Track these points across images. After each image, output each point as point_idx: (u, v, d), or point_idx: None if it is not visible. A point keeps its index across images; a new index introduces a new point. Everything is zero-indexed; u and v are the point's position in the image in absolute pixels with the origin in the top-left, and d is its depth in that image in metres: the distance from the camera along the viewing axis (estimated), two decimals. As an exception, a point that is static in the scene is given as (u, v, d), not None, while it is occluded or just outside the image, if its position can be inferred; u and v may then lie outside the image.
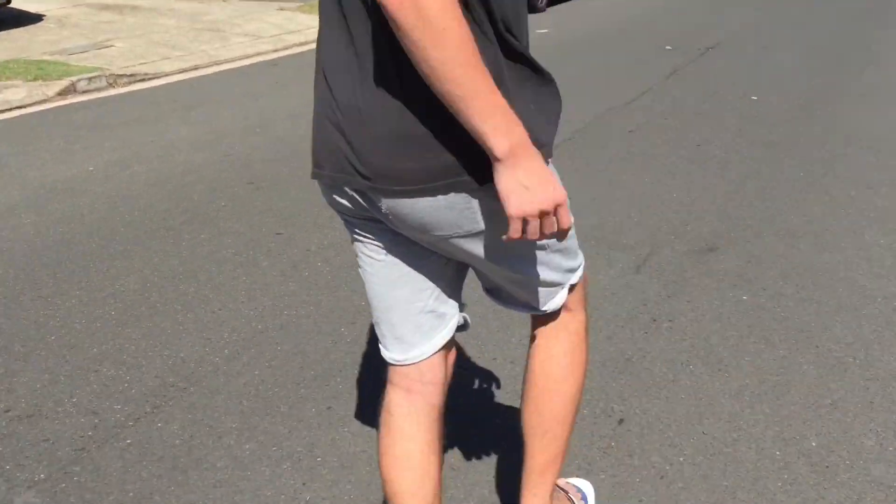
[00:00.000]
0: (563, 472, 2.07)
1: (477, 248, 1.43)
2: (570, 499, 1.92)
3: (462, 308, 1.64)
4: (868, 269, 3.30)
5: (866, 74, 6.84)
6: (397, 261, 1.52)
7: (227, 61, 9.44)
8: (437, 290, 1.55)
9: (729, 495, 2.07)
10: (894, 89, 6.28)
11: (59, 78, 8.21)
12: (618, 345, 2.84)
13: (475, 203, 1.35)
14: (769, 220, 3.87)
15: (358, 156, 1.36)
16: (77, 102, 7.59)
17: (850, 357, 2.69)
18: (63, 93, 7.90)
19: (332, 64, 1.38)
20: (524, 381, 1.69)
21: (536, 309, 1.60)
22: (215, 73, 8.77)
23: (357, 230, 1.53)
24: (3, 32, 11.02)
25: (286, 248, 3.83)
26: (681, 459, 2.23)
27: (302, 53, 10.04)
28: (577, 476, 2.13)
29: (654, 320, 3.00)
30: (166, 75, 8.79)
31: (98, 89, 8.18)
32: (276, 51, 10.24)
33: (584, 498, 1.97)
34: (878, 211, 3.90)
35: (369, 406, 2.53)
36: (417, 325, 1.55)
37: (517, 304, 1.61)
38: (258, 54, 9.89)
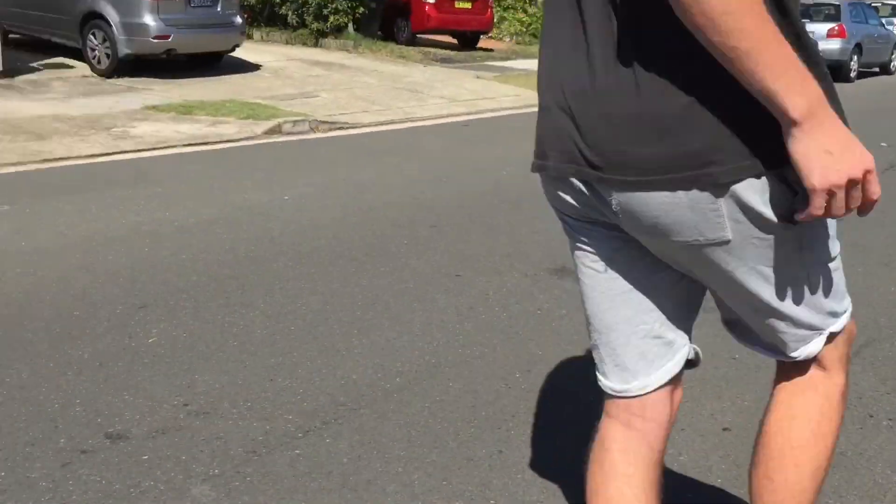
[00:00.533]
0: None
1: (719, 263, 1.25)
2: None
3: (692, 339, 1.45)
4: None
5: None
6: (623, 274, 1.37)
7: (421, 119, 9.73)
8: (667, 313, 1.38)
9: None
10: None
11: (268, 119, 8.75)
12: (826, 435, 2.52)
13: (722, 205, 1.19)
14: None
15: (587, 141, 1.23)
16: (281, 142, 8.02)
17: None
18: (269, 132, 8.39)
19: (561, 46, 1.28)
20: (756, 444, 1.45)
21: (784, 354, 1.38)
22: (409, 128, 9.04)
23: (580, 235, 1.40)
24: (224, 76, 11.95)
25: (464, 290, 3.76)
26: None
27: (494, 118, 10.20)
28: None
29: (871, 416, 2.65)
30: (363, 126, 9.16)
31: (301, 132, 8.63)
32: (468, 114, 10.46)
33: None
34: None
35: (544, 457, 2.35)
36: (641, 351, 1.38)
37: (761, 345, 1.40)
38: (451, 115, 10.14)
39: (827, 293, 1.33)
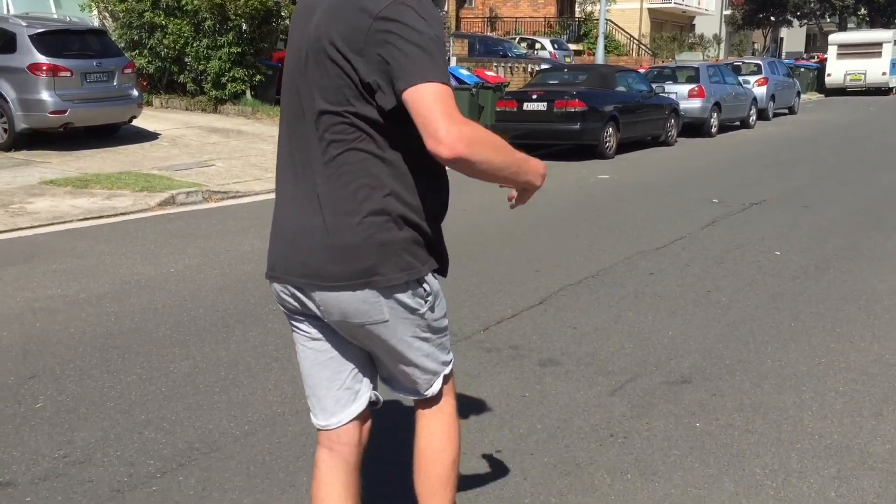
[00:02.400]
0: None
1: (380, 335, 1.99)
2: None
3: (376, 388, 2.19)
4: (817, 412, 3.66)
5: (892, 239, 7.19)
6: (324, 348, 2.09)
7: (310, 185, 10.42)
8: (354, 372, 2.12)
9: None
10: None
11: (162, 190, 9.30)
12: (572, 452, 3.29)
13: (382, 299, 1.93)
14: (746, 362, 4.28)
15: (298, 260, 1.96)
16: (174, 213, 8.60)
17: (768, 481, 3.07)
18: (163, 203, 8.95)
19: (285, 196, 2.01)
20: (414, 455, 2.18)
21: (420, 393, 2.13)
22: (297, 195, 9.70)
23: (296, 324, 2.11)
24: (122, 147, 12.43)
25: (318, 350, 4.43)
26: (592, 545, 2.66)
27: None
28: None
29: (612, 435, 3.44)
30: (255, 194, 9.79)
31: (194, 202, 9.22)
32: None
33: None
34: (847, 362, 4.26)
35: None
36: (337, 398, 2.11)
37: (406, 390, 2.15)
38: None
39: (442, 351, 2.11)
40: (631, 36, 35.60)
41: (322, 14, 1.87)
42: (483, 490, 3.00)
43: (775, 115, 21.41)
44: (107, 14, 16.98)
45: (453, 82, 14.91)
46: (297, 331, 2.11)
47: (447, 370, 2.15)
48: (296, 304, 2.04)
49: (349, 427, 2.13)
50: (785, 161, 13.09)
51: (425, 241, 1.97)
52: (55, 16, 14.60)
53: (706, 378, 4.07)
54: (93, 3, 16.70)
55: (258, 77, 16.04)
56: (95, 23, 16.72)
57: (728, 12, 46.31)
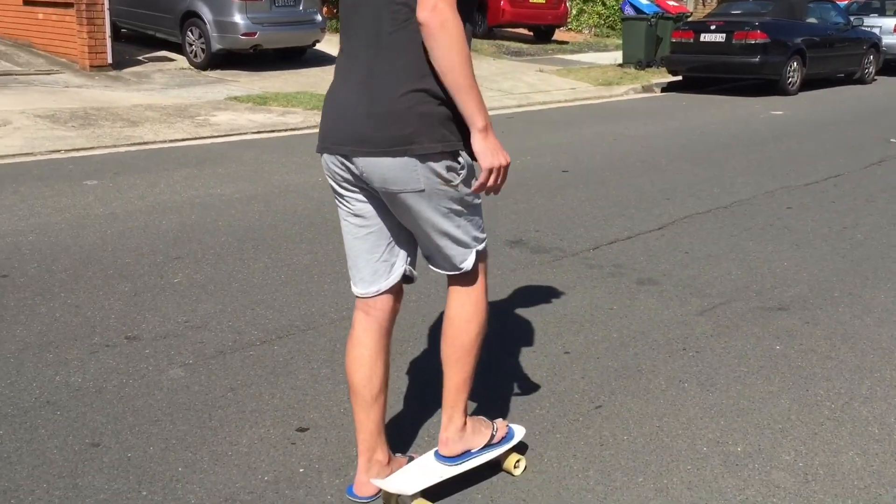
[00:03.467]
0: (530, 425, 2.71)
1: (417, 205, 2.17)
2: (493, 426, 2.54)
3: (413, 265, 2.39)
4: (917, 347, 3.51)
5: None
6: (364, 223, 2.31)
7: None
8: (392, 246, 2.33)
9: (645, 467, 2.58)
10: None
11: (330, 109, 9.86)
12: (638, 360, 3.38)
13: (419, 166, 2.11)
14: (855, 295, 4.11)
15: (345, 129, 2.17)
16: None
17: (828, 402, 3.03)
18: (329, 121, 9.51)
19: (338, 79, 2.23)
20: (443, 325, 2.38)
21: (457, 267, 2.30)
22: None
23: (340, 199, 2.33)
24: (304, 69, 13.20)
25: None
26: (625, 438, 2.77)
27: (538, 111, 11.03)
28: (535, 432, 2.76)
29: (684, 349, 3.49)
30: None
31: (358, 122, 9.72)
32: (519, 106, 11.34)
33: (510, 435, 2.58)
34: (973, 304, 3.99)
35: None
36: (374, 270, 2.33)
37: (444, 267, 2.33)
38: (501, 108, 11.02)
39: (475, 227, 2.28)
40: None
41: None
42: (541, 383, 3.17)
43: None
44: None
45: (630, 11, 14.50)
46: (342, 206, 2.34)
47: (480, 247, 2.30)
48: (345, 173, 2.24)
49: (384, 296, 2.36)
50: None
51: (457, 120, 2.12)
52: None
53: (805, 307, 3.97)
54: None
55: None
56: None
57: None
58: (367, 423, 2.39)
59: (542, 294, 4.13)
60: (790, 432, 2.83)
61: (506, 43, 17.20)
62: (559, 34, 19.52)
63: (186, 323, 3.70)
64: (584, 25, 20.89)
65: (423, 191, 2.14)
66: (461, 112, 2.06)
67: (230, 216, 5.41)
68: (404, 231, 2.33)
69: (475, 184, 2.16)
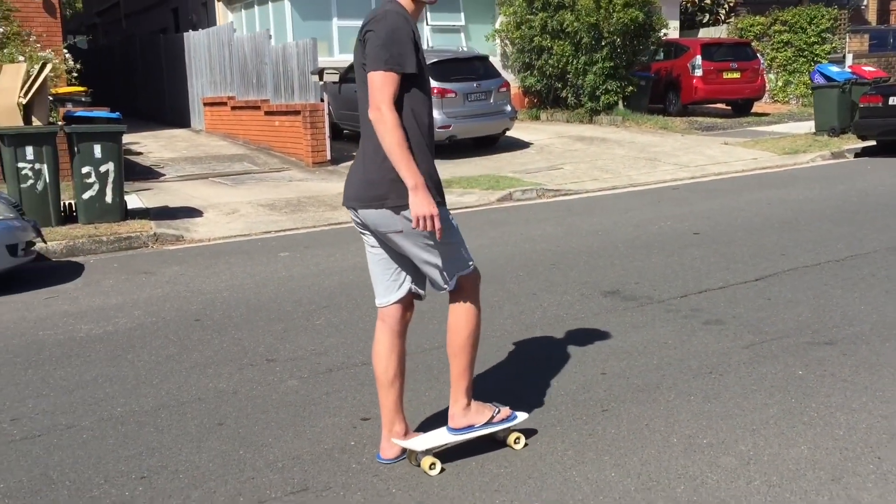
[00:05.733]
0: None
1: (402, 241, 3.04)
2: (493, 412, 3.27)
3: (422, 286, 3.23)
4: None
5: None
6: (378, 252, 3.20)
7: (640, 185, 11.22)
8: (398, 271, 3.20)
9: (615, 450, 3.16)
10: None
11: (504, 189, 10.89)
12: (661, 378, 3.91)
13: (394, 216, 2.99)
14: (888, 327, 4.32)
15: (350, 190, 3.11)
16: (505, 207, 10.09)
17: (814, 413, 3.39)
18: (501, 199, 10.52)
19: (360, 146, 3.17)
20: (448, 332, 3.20)
21: (442, 287, 3.12)
22: (618, 193, 10.59)
23: (363, 235, 3.23)
24: (496, 155, 14.40)
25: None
26: (612, 431, 3.36)
27: (708, 182, 11.35)
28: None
29: (710, 372, 3.96)
30: (584, 192, 10.91)
31: (528, 199, 10.64)
32: (692, 178, 11.71)
33: (512, 417, 3.30)
34: None
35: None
36: (386, 287, 3.21)
37: (436, 286, 3.15)
38: (672, 180, 11.46)
39: (455, 255, 3.08)
40: None
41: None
42: (568, 394, 3.81)
43: None
44: (507, 41, 19.39)
45: (820, 79, 14.40)
46: (365, 241, 3.25)
47: (463, 272, 3.13)
48: (357, 219, 3.17)
49: (395, 307, 3.22)
50: None
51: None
52: (456, 48, 17.22)
53: (853, 342, 4.26)
54: (495, 34, 19.23)
55: (630, 88, 17.03)
56: (497, 50, 19.29)
57: None
58: (387, 402, 3.23)
59: (608, 331, 4.71)
60: (760, 431, 3.28)
61: (700, 119, 17.50)
62: (763, 106, 19.44)
63: (313, 350, 4.72)
64: (790, 96, 20.60)
65: (401, 231, 3.00)
66: (400, 176, 2.88)
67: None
68: (406, 259, 3.18)
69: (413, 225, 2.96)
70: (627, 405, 3.64)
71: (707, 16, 25.85)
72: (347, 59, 16.62)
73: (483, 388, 3.93)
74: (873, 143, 13.14)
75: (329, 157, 13.89)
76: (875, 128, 12.68)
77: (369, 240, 3.20)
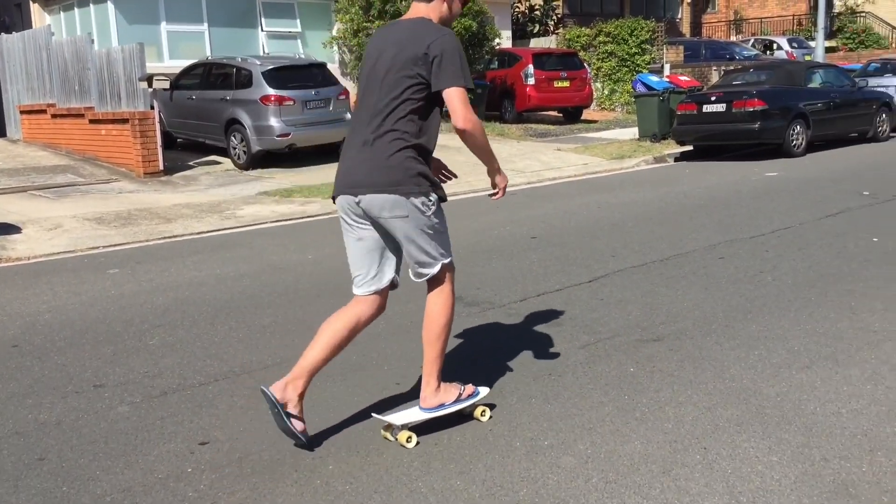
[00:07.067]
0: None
1: (402, 225, 3.22)
2: (461, 388, 3.53)
3: (398, 274, 3.35)
4: (750, 364, 4.00)
5: None
6: (364, 245, 3.34)
7: (474, 191, 11.41)
8: (381, 259, 3.32)
9: (461, 458, 3.18)
10: None
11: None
12: (502, 382, 3.98)
13: (404, 200, 3.17)
14: (731, 327, 4.62)
15: (358, 177, 3.19)
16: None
17: (644, 407, 3.56)
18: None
19: (350, 149, 3.24)
20: (424, 317, 3.41)
21: (426, 273, 3.33)
22: (462, 199, 10.75)
23: (349, 227, 3.32)
24: (336, 163, 14.27)
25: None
26: (457, 439, 3.38)
27: (541, 187, 11.73)
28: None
29: (550, 374, 4.07)
30: (427, 199, 10.99)
31: (371, 207, 10.60)
32: (529, 183, 12.07)
33: (476, 394, 3.58)
34: (830, 329, 4.46)
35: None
36: (371, 278, 3.36)
37: (420, 275, 3.35)
38: (512, 185, 11.75)
39: (441, 245, 3.31)
40: (893, 27, 32.80)
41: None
42: (414, 401, 3.80)
43: None
44: (346, 49, 19.29)
45: (642, 88, 15.26)
46: (350, 233, 3.35)
47: (446, 260, 3.37)
48: (355, 208, 3.25)
49: (373, 297, 3.40)
50: None
51: (429, 173, 3.25)
52: (293, 55, 16.95)
53: (678, 338, 4.51)
54: (332, 41, 19.09)
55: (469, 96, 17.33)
56: (336, 58, 19.16)
57: None
58: (307, 359, 3.32)
59: (451, 338, 4.75)
60: (597, 429, 3.40)
61: (534, 126, 18.11)
62: (591, 114, 20.36)
63: (146, 373, 4.48)
64: (616, 104, 21.70)
65: (407, 216, 3.22)
66: (486, 162, 3.35)
67: (218, 290, 6.26)
68: (392, 250, 3.37)
69: (498, 193, 3.47)
70: (470, 415, 3.68)
71: (537, 26, 26.85)
72: (178, 64, 16.03)
73: (317, 400, 3.87)
74: (691, 147, 14.06)
75: (162, 167, 13.32)
76: (691, 133, 13.57)
77: (356, 232, 3.34)
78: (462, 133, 3.15)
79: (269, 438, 3.52)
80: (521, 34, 25.12)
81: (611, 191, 10.69)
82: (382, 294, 3.41)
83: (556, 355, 4.35)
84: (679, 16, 32.64)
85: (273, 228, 9.36)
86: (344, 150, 3.31)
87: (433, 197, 3.23)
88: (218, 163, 14.49)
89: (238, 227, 9.51)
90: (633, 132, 16.58)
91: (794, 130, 12.75)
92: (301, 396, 3.32)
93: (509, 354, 4.42)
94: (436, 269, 3.31)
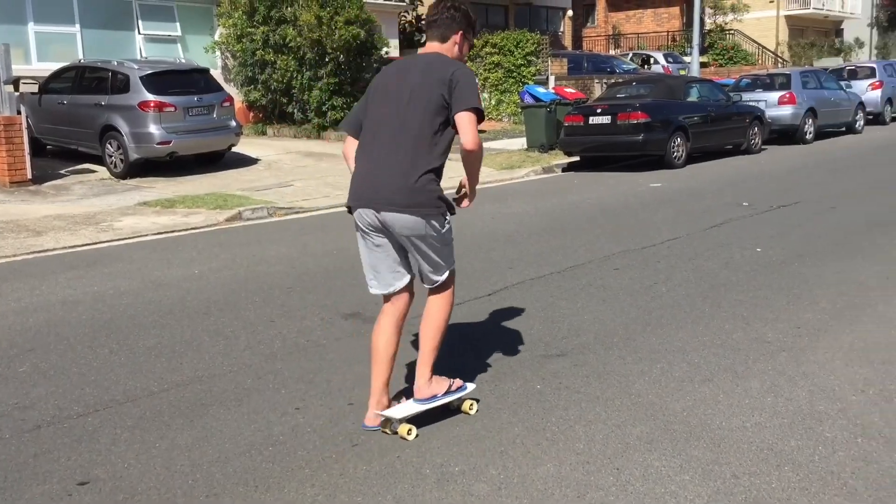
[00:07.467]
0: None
1: (419, 242, 3.47)
2: (450, 383, 3.67)
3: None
4: (653, 378, 4.00)
5: (880, 239, 7.13)
6: (382, 252, 3.58)
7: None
8: (398, 265, 3.59)
9: (368, 489, 3.01)
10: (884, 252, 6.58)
11: (232, 208, 10.41)
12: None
13: (424, 221, 3.41)
14: (632, 340, 4.64)
15: (382, 194, 3.40)
16: (234, 227, 9.64)
17: (554, 426, 3.49)
18: (231, 219, 10.04)
19: (382, 149, 3.35)
20: (424, 314, 3.64)
21: (435, 281, 3.59)
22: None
23: (366, 237, 3.57)
24: (222, 172, 13.79)
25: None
26: (364, 469, 3.21)
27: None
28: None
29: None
30: (318, 210, 10.75)
31: (259, 218, 10.27)
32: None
33: (464, 387, 3.73)
34: (726, 340, 4.54)
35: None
36: (392, 278, 3.60)
37: (428, 281, 3.60)
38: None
39: (450, 253, 3.60)
40: (759, 45, 34.67)
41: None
42: (315, 427, 3.60)
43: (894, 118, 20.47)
44: (229, 54, 18.72)
45: (529, 99, 15.46)
46: (367, 240, 3.59)
47: (452, 267, 3.65)
48: (374, 221, 3.48)
49: (399, 295, 3.64)
50: (864, 165, 12.71)
51: (443, 194, 3.47)
52: (173, 59, 16.30)
53: (581, 352, 4.48)
54: (215, 46, 18.49)
55: (355, 104, 17.14)
56: (219, 63, 18.56)
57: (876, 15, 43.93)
58: (381, 377, 3.60)
59: (352, 357, 4.55)
60: (508, 452, 3.30)
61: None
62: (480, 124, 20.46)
63: (16, 404, 4.09)
64: (503, 114, 21.93)
65: (424, 235, 3.48)
66: (469, 184, 3.62)
67: (95, 310, 5.84)
68: (404, 253, 3.61)
69: (464, 203, 3.71)
70: (377, 437, 3.52)
71: (424, 36, 26.86)
72: (48, 67, 15.14)
73: (219, 431, 3.63)
74: (577, 158, 14.32)
75: (30, 176, 12.49)
76: (578, 144, 13.83)
77: (374, 240, 3.57)
78: (470, 153, 3.39)
79: (157, 476, 3.25)
80: (408, 44, 25.08)
81: (503, 201, 10.71)
82: (408, 291, 3.67)
83: (461, 374, 4.23)
84: (561, 29, 33.41)
85: (154, 241, 8.89)
86: (362, 161, 3.49)
87: (448, 216, 3.51)
88: (92, 171, 13.74)
89: (116, 240, 8.98)
90: (522, 142, 16.76)
91: (674, 143, 13.17)
92: (390, 402, 3.65)
93: (412, 374, 4.27)
94: (445, 275, 3.60)
